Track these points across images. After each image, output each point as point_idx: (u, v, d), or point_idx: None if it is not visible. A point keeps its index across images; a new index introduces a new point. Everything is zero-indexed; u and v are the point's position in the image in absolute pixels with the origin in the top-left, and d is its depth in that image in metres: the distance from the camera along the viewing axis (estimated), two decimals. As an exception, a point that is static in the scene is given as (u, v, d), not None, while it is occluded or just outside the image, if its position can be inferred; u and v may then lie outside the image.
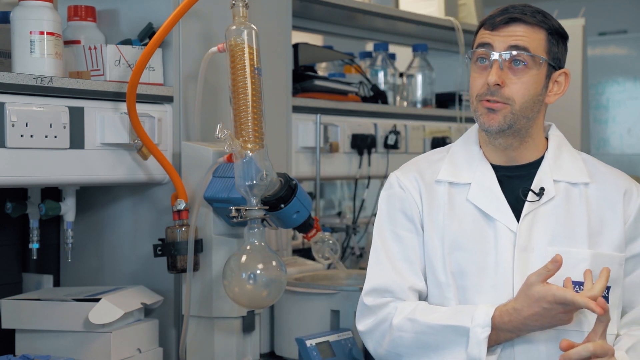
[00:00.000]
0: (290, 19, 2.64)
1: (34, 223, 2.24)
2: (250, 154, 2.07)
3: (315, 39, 3.92)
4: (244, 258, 2.09)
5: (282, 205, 2.15)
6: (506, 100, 1.80)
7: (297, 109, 2.69)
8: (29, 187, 2.22)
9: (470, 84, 1.87)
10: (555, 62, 1.85)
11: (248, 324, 2.26)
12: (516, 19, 1.82)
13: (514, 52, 1.80)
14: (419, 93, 3.40)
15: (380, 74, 3.33)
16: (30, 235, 2.24)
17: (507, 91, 1.80)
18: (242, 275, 2.08)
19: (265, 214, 2.11)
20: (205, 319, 2.22)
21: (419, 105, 3.40)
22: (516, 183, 1.88)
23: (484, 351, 1.75)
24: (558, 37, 1.86)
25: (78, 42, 2.24)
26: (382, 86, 3.30)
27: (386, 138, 3.04)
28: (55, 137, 1.98)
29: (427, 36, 3.56)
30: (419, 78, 3.41)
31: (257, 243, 2.10)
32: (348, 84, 3.04)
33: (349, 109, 2.96)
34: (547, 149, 1.91)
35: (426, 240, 1.89)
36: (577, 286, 1.77)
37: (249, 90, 2.11)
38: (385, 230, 1.94)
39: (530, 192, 1.85)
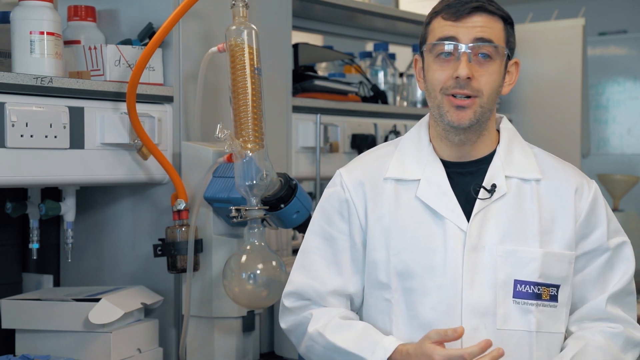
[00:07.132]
0: (290, 19, 2.64)
1: (34, 223, 2.24)
2: (250, 154, 2.08)
3: (315, 39, 3.92)
4: (244, 258, 2.09)
5: (282, 205, 2.15)
6: (476, 92, 1.75)
7: (297, 109, 2.69)
8: (29, 187, 2.22)
9: (429, 78, 1.79)
10: (511, 52, 1.82)
11: (248, 324, 2.26)
12: (478, 8, 1.76)
13: (481, 45, 1.75)
14: (419, 93, 3.40)
15: (380, 74, 3.33)
16: (30, 235, 2.24)
17: (476, 84, 1.75)
18: (242, 275, 2.08)
19: (265, 214, 2.11)
20: (205, 319, 2.22)
21: (419, 105, 3.40)
22: (467, 180, 1.82)
23: None
24: (511, 26, 1.82)
25: (78, 42, 2.24)
26: (382, 86, 3.30)
27: (386, 138, 3.04)
28: (55, 137, 1.98)
29: (427, 36, 3.56)
30: (419, 78, 3.40)
31: (257, 243, 2.10)
32: (348, 84, 3.03)
33: (349, 109, 2.96)
34: (498, 143, 1.86)
35: (370, 241, 1.83)
36: (526, 285, 1.76)
37: (249, 90, 2.11)
38: (318, 228, 1.89)
39: (481, 189, 1.79)
